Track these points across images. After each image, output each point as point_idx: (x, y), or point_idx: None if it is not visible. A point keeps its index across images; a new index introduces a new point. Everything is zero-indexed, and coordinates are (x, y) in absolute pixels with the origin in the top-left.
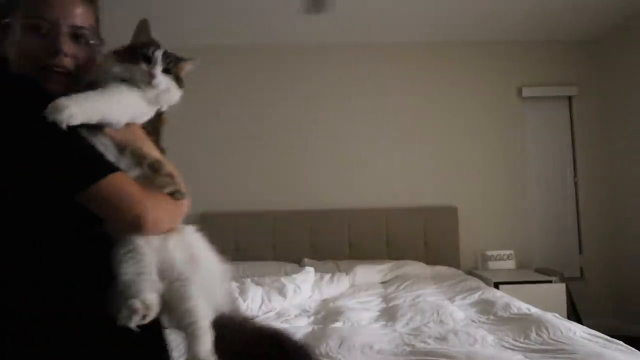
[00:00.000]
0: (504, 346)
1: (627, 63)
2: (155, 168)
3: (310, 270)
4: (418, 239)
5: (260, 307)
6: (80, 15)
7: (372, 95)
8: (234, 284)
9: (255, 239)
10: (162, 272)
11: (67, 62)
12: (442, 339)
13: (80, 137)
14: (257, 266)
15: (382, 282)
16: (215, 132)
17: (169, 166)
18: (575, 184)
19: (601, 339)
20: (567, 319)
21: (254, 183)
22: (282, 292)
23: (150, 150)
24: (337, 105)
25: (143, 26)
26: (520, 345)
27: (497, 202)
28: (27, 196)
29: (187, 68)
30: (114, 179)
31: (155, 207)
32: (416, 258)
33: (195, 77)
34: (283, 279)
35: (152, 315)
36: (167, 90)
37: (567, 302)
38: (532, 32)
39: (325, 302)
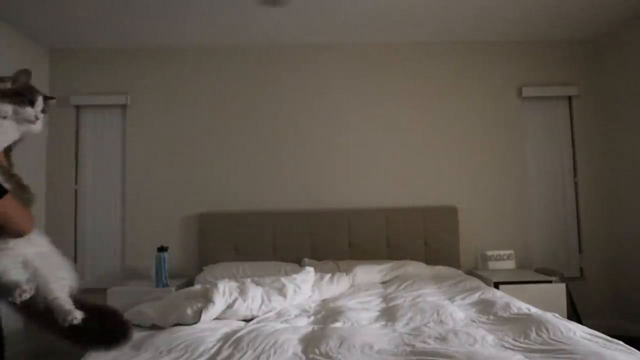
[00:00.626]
0: (504, 346)
1: (627, 63)
2: (22, 186)
3: (310, 270)
4: (418, 239)
5: (260, 307)
6: None
7: (372, 95)
8: (234, 284)
9: (255, 239)
10: (26, 263)
11: None
12: (442, 339)
13: None
14: (257, 266)
15: (382, 282)
16: (215, 132)
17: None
18: (575, 184)
19: (601, 339)
20: (567, 319)
21: (254, 183)
22: (282, 292)
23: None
24: (337, 106)
25: (25, 74)
26: (520, 345)
27: (497, 202)
28: None
29: (51, 104)
30: (6, 199)
31: (28, 220)
32: (416, 258)
33: (195, 78)
34: (283, 279)
35: (30, 294)
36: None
37: (567, 302)
38: (532, 32)
39: (325, 302)
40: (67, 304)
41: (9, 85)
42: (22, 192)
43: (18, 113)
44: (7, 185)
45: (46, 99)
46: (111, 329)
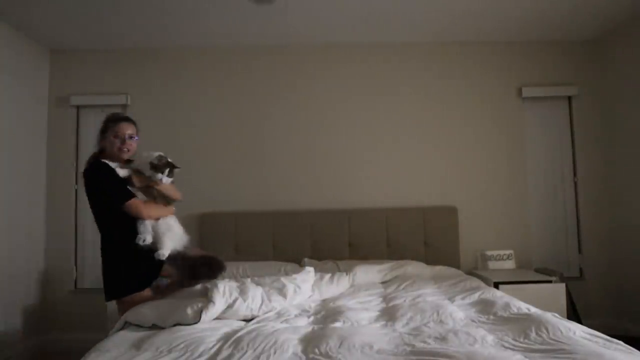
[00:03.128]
0: (503, 346)
1: (627, 63)
2: (161, 194)
3: (310, 270)
4: (418, 239)
5: (260, 307)
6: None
7: (372, 95)
8: (234, 284)
9: (255, 239)
10: (152, 227)
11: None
12: (442, 338)
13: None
14: (257, 266)
15: (382, 282)
16: (215, 132)
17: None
18: (575, 184)
19: (601, 339)
20: (567, 319)
21: (254, 183)
22: (282, 292)
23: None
24: (337, 106)
25: (165, 162)
26: (520, 345)
27: (497, 202)
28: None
29: (176, 171)
30: (132, 200)
31: (148, 209)
32: (416, 258)
33: (195, 78)
34: (283, 279)
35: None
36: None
37: (567, 302)
38: (532, 32)
39: (325, 302)
40: (164, 249)
41: (156, 161)
42: (161, 198)
43: (153, 175)
44: (139, 194)
45: (174, 167)
46: (212, 267)
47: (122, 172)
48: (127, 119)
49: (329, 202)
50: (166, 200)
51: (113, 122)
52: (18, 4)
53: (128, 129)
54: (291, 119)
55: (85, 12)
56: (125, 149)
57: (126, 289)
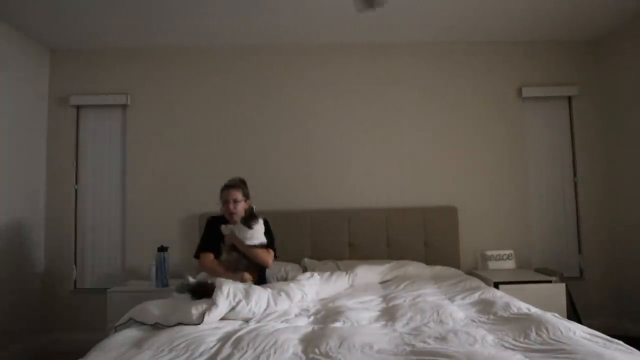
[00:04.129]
0: (504, 346)
1: (627, 63)
2: (234, 260)
3: (316, 276)
4: (418, 239)
5: (264, 311)
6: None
7: (373, 95)
8: (241, 286)
9: None
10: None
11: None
12: (442, 338)
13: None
14: None
15: (382, 282)
16: (215, 132)
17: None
18: (575, 184)
19: (601, 338)
20: (567, 319)
21: (254, 183)
22: (289, 296)
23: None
24: (337, 106)
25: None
26: (520, 345)
27: (497, 202)
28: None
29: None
30: (202, 254)
31: (204, 265)
32: (416, 258)
33: (195, 78)
34: (292, 284)
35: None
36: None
37: (567, 302)
38: (532, 32)
39: (325, 301)
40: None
41: None
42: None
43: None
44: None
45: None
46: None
47: (224, 230)
48: (231, 186)
49: (329, 202)
50: (235, 264)
51: (222, 190)
52: (18, 4)
53: (231, 195)
54: (291, 118)
55: (85, 12)
56: (230, 213)
57: None
